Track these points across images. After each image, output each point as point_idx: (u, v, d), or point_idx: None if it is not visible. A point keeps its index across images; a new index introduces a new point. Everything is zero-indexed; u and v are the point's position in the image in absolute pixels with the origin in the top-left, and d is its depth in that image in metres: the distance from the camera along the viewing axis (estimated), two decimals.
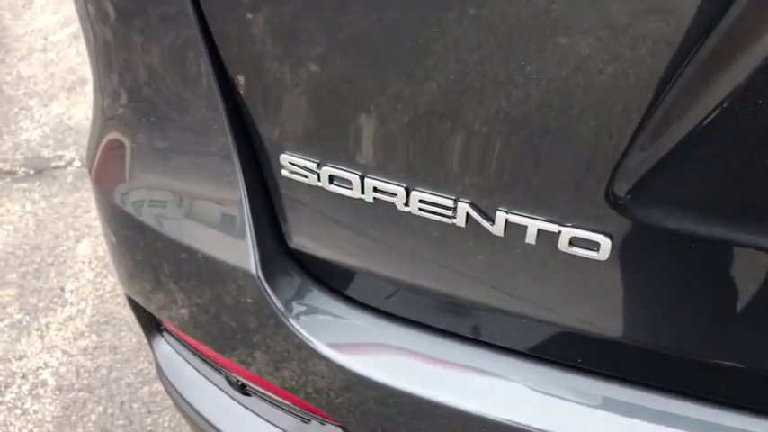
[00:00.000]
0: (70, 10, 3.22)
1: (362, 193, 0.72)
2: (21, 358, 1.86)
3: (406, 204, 0.70)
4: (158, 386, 1.76)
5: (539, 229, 0.67)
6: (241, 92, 0.71)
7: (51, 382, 1.80)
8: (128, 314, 1.94)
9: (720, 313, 0.67)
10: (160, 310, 0.86)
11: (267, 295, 0.77)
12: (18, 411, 1.75)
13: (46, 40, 3.08)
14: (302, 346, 0.77)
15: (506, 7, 0.56)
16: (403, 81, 0.63)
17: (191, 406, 0.96)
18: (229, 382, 0.95)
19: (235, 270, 0.77)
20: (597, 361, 0.76)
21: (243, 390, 0.93)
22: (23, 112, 2.69)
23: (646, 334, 0.71)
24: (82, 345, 1.88)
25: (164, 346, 1.03)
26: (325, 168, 0.71)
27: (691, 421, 0.73)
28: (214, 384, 0.97)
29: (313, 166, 0.72)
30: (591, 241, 0.65)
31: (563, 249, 0.67)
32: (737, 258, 0.64)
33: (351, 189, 0.72)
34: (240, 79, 0.70)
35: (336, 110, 0.68)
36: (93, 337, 1.89)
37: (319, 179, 0.72)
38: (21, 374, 1.82)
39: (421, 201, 0.70)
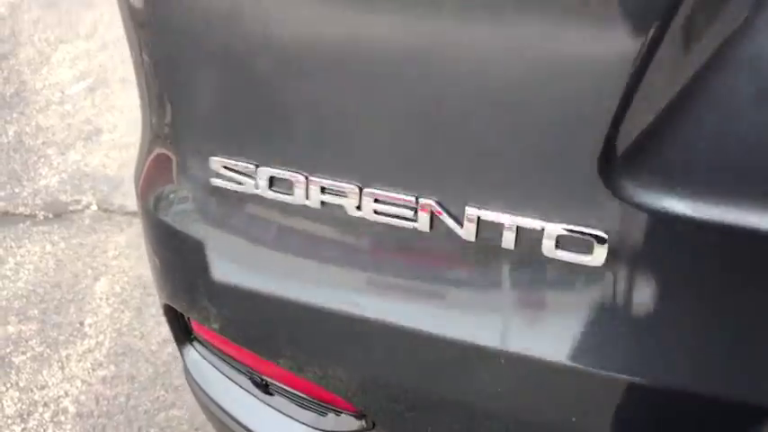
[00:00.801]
0: (86, 65, 3.40)
1: (307, 198, 0.69)
2: (42, 388, 1.95)
3: (359, 208, 0.65)
4: (174, 412, 1.86)
5: (518, 228, 0.58)
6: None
7: (72, 409, 1.89)
8: (144, 345, 2.04)
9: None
10: (198, 313, 0.97)
11: None
12: None
13: (63, 93, 3.25)
14: None
15: None
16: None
17: (217, 404, 1.07)
18: (254, 382, 1.05)
19: None
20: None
21: (266, 389, 1.04)
22: (42, 160, 2.83)
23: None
24: (101, 375, 1.97)
25: (193, 353, 1.14)
26: (263, 170, 0.68)
27: None
28: (239, 386, 1.07)
29: (250, 168, 0.70)
30: (583, 240, 0.57)
31: (549, 255, 0.60)
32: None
33: (293, 194, 0.69)
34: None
35: (271, 101, 0.66)
36: (112, 367, 1.99)
37: (257, 185, 0.69)
38: (42, 403, 1.92)
39: (376, 201, 0.64)
